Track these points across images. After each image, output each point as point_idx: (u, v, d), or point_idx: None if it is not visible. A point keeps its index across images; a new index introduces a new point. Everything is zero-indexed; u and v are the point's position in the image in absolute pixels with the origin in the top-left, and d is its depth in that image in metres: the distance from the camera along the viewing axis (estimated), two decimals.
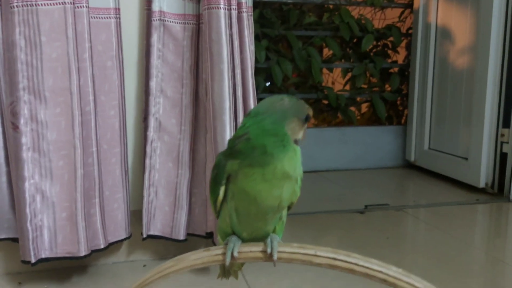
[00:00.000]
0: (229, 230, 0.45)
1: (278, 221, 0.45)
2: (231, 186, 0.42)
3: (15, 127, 0.91)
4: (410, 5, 2.26)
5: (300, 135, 0.43)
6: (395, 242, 1.29)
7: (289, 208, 0.46)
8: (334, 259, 0.40)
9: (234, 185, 0.42)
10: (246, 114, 0.43)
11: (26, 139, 0.92)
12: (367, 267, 0.40)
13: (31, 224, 0.92)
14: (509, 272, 1.11)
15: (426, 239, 1.34)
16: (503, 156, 1.71)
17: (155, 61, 1.02)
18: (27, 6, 0.89)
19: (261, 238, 0.44)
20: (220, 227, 0.46)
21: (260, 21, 2.03)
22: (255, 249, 0.42)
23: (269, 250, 0.42)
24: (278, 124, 0.41)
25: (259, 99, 1.00)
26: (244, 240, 0.44)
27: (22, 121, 0.91)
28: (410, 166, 2.21)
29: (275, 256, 0.41)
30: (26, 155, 0.92)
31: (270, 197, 0.41)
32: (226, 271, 0.54)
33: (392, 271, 0.39)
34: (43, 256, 0.95)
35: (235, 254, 0.42)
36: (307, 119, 0.43)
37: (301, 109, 0.43)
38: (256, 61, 1.84)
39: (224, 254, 0.42)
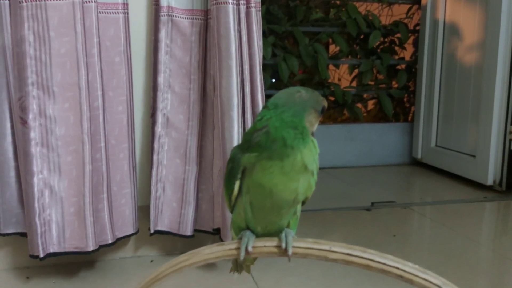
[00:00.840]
0: (243, 224, 0.45)
1: (292, 215, 0.45)
2: (246, 180, 0.42)
3: (24, 122, 0.91)
4: (417, 1, 2.25)
5: (316, 127, 0.43)
6: (401, 239, 1.28)
7: (303, 203, 0.46)
8: (349, 254, 0.40)
9: (249, 179, 0.42)
10: (263, 106, 0.42)
11: (34, 134, 0.92)
12: (383, 263, 0.39)
13: (40, 219, 0.92)
14: None
15: (433, 237, 1.34)
16: (511, 153, 1.69)
17: (163, 56, 1.02)
18: (36, 1, 0.88)
19: (275, 233, 0.44)
20: (234, 222, 0.46)
21: (267, 17, 2.02)
22: (269, 244, 0.42)
23: (283, 245, 0.41)
24: (298, 117, 0.40)
25: (266, 96, 1.00)
26: (258, 235, 0.44)
27: (30, 116, 0.91)
28: (417, 163, 2.20)
29: (290, 251, 0.41)
30: (35, 150, 0.92)
31: (286, 190, 0.41)
32: (239, 266, 0.53)
33: (409, 267, 0.39)
34: (51, 250, 0.95)
35: (250, 248, 0.42)
36: (322, 110, 0.43)
37: (318, 101, 0.42)
38: (263, 57, 1.84)
39: (238, 248, 0.42)
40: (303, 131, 0.40)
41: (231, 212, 0.46)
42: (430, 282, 0.39)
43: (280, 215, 0.43)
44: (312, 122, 0.42)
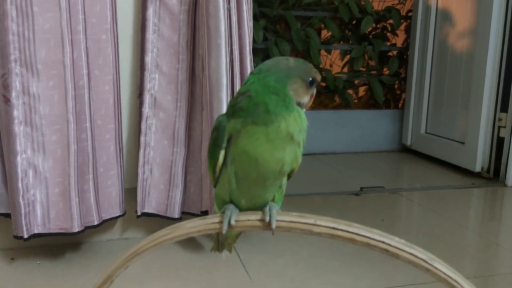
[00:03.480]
0: (227, 197, 0.43)
1: (277, 189, 0.44)
2: (232, 149, 0.41)
3: (7, 100, 0.89)
4: None
5: (304, 98, 0.42)
6: (390, 224, 1.29)
7: (289, 177, 0.45)
8: (334, 228, 0.39)
9: (235, 147, 0.40)
10: (250, 72, 0.41)
11: (18, 113, 0.90)
12: (369, 237, 0.39)
13: (24, 199, 0.91)
14: (503, 254, 1.11)
15: (421, 222, 1.34)
16: (500, 141, 1.70)
17: (150, 35, 1.00)
18: None
19: (260, 206, 0.43)
20: (218, 195, 0.45)
21: (259, 1, 1.99)
22: (253, 217, 0.41)
23: (267, 219, 0.40)
24: (281, 83, 0.39)
25: None
26: (242, 209, 0.43)
27: (13, 94, 0.89)
28: (406, 150, 2.21)
29: (274, 225, 0.40)
30: (18, 129, 0.90)
31: (272, 160, 0.40)
32: (220, 244, 0.52)
33: (395, 242, 0.38)
34: (36, 231, 0.93)
35: (232, 222, 0.41)
36: (312, 82, 0.41)
37: (306, 70, 0.41)
38: (254, 41, 1.81)
39: (221, 222, 0.41)
40: (285, 98, 0.39)
41: (214, 186, 0.45)
42: (416, 256, 0.38)
43: (266, 187, 0.42)
44: (299, 92, 0.41)
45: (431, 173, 1.87)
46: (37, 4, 0.88)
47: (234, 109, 0.40)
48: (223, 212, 0.42)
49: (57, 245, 1.05)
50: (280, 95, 0.39)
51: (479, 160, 1.74)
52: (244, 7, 0.98)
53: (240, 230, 0.43)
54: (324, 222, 0.39)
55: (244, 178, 0.41)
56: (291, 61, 0.41)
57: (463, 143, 1.83)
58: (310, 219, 0.40)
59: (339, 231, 0.39)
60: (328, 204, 1.44)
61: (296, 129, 0.40)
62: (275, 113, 0.39)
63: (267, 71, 0.40)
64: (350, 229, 0.39)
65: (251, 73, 0.41)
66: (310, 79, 0.41)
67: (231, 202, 0.43)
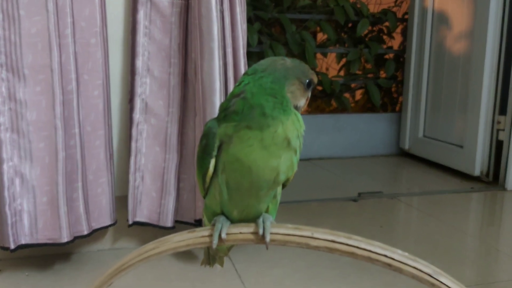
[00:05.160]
0: (217, 209, 0.40)
1: (272, 199, 0.41)
2: (223, 156, 0.38)
3: None
4: None
5: (301, 101, 0.39)
6: (388, 230, 1.26)
7: (284, 186, 0.42)
8: (333, 241, 0.36)
9: (226, 155, 0.38)
10: (244, 72, 0.38)
11: (4, 119, 0.87)
12: (370, 251, 0.36)
13: (10, 209, 0.88)
14: (503, 259, 1.08)
15: (420, 227, 1.32)
16: (499, 144, 1.68)
17: (141, 38, 0.97)
18: None
19: (253, 218, 0.40)
20: (208, 206, 0.42)
21: (253, 3, 1.97)
22: (245, 230, 0.38)
23: (261, 232, 0.37)
24: (278, 84, 0.37)
25: None
26: (233, 221, 0.40)
27: None
28: (404, 154, 2.19)
29: (268, 238, 0.37)
30: (4, 135, 0.87)
31: (266, 168, 0.37)
32: (211, 257, 0.49)
33: (398, 255, 0.36)
34: (23, 242, 0.90)
35: (223, 236, 0.38)
36: (309, 84, 0.39)
37: (304, 72, 0.39)
38: (248, 44, 1.79)
39: (211, 235, 0.38)
40: (282, 101, 0.37)
41: (204, 197, 0.42)
42: (421, 270, 0.35)
43: (259, 197, 0.39)
44: (296, 94, 0.38)
45: (430, 177, 1.84)
46: (24, 7, 0.86)
47: (226, 113, 0.38)
48: (213, 225, 0.39)
49: (46, 256, 1.02)
50: (277, 97, 0.36)
51: (478, 164, 1.72)
52: (238, 9, 0.96)
53: (232, 244, 0.40)
54: (322, 235, 0.36)
55: (236, 188, 0.38)
56: (288, 61, 0.39)
57: (461, 146, 1.81)
58: (306, 231, 0.37)
59: (338, 244, 0.36)
60: (325, 211, 1.41)
61: (294, 134, 0.37)
62: (272, 117, 0.36)
63: (263, 71, 0.37)
64: (350, 242, 0.36)
65: (245, 73, 0.38)
66: (308, 80, 0.38)
67: (222, 213, 0.40)
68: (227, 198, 0.39)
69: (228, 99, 0.38)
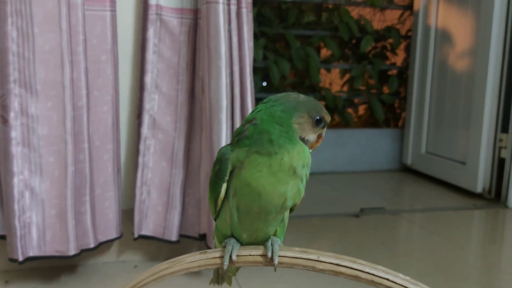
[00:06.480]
0: (228, 231, 0.42)
1: (279, 223, 0.43)
2: (234, 181, 0.40)
3: (5, 120, 0.88)
4: (410, 7, 2.25)
5: (309, 135, 0.41)
6: (390, 246, 1.27)
7: (291, 210, 0.44)
8: (338, 265, 0.38)
9: (237, 179, 0.40)
10: (260, 101, 0.41)
11: (15, 133, 0.89)
12: (373, 274, 0.37)
13: (19, 221, 0.89)
14: (505, 278, 1.09)
15: (422, 244, 1.32)
16: (501, 161, 1.69)
17: (150, 56, 1.00)
18: None
19: (261, 241, 0.41)
20: (219, 229, 0.43)
21: (258, 20, 2.01)
22: (254, 252, 0.40)
23: (269, 254, 0.39)
24: (287, 114, 0.39)
25: (256, 99, 0.98)
26: (243, 243, 0.42)
27: (12, 114, 0.88)
28: (406, 169, 2.20)
29: (276, 261, 0.39)
30: (16, 150, 0.89)
31: (274, 193, 0.39)
32: (220, 277, 0.51)
33: (400, 279, 0.37)
34: (31, 254, 0.92)
35: (234, 257, 0.39)
36: (319, 121, 0.41)
37: (316, 107, 0.41)
38: (253, 60, 1.81)
39: (222, 257, 0.40)
40: (288, 130, 0.39)
41: (215, 219, 0.44)
42: None
43: (267, 221, 0.41)
44: (304, 127, 0.40)
45: (432, 193, 1.85)
46: (38, 25, 0.88)
47: (239, 137, 0.40)
48: (224, 247, 0.41)
49: (53, 268, 1.03)
50: (283, 126, 0.38)
51: (480, 181, 1.73)
52: (245, 28, 0.98)
53: (242, 265, 0.41)
54: (328, 258, 0.38)
55: (246, 212, 0.40)
56: (301, 96, 0.41)
57: (464, 163, 1.82)
58: (313, 254, 0.38)
59: (343, 268, 0.38)
60: (328, 226, 1.42)
61: (299, 163, 0.39)
62: (278, 144, 0.38)
63: (275, 101, 0.40)
64: (355, 266, 0.38)
65: (261, 102, 0.40)
66: (318, 117, 0.41)
67: (232, 236, 0.42)
68: (237, 221, 0.41)
69: (242, 124, 0.41)
